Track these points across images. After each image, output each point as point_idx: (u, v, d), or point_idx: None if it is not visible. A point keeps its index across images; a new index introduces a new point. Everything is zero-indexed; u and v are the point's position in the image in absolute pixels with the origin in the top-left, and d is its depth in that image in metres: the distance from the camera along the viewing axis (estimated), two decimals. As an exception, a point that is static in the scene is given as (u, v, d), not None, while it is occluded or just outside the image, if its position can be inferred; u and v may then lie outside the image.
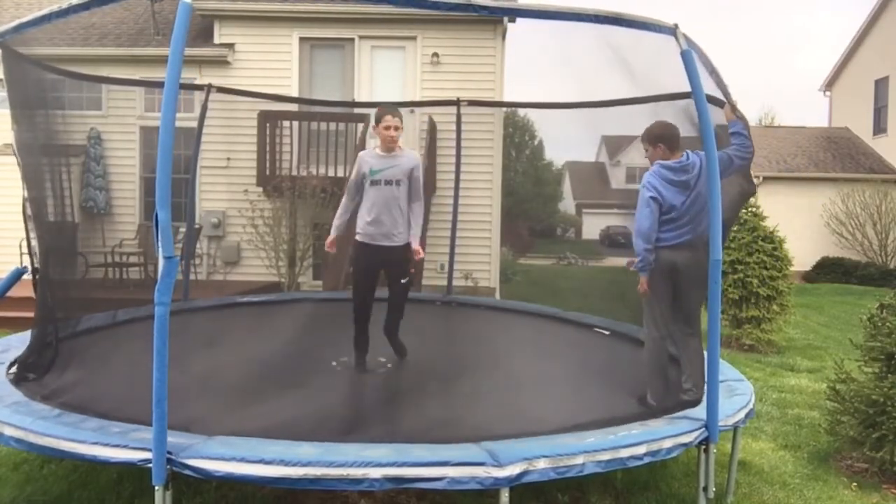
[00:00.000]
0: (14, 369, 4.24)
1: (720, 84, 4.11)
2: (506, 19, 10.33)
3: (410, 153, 4.93)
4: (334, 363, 5.10)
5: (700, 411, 3.71)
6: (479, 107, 9.72)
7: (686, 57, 3.51)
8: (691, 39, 3.59)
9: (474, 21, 10.67)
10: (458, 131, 9.07)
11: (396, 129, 4.70)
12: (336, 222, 5.02)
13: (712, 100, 4.14)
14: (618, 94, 5.92)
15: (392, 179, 4.73)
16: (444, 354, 5.68)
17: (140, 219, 10.94)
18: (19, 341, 4.78)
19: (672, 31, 3.54)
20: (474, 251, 10.54)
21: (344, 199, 5.00)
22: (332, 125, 10.10)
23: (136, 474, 3.54)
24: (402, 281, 4.86)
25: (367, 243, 4.78)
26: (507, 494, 2.97)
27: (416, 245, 4.84)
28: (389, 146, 4.76)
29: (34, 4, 12.81)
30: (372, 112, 9.95)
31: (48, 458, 3.98)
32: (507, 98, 11.11)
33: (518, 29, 10.94)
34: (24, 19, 3.85)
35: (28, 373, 4.16)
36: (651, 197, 4.17)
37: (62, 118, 5.24)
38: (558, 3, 3.48)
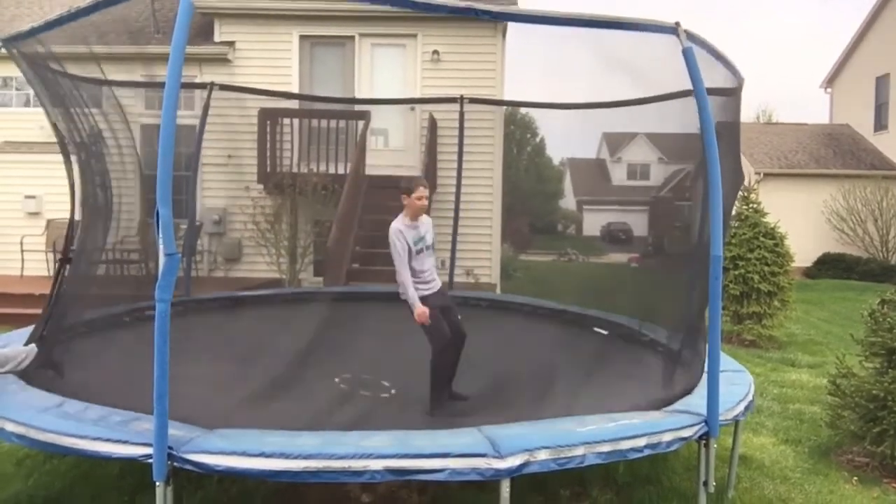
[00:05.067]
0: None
1: (728, 65, 4.06)
2: (506, 16, 10.29)
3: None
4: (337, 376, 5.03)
5: (700, 406, 3.71)
6: (480, 104, 9.72)
7: (688, 54, 3.47)
8: (693, 33, 3.54)
9: (475, 19, 10.65)
10: (461, 128, 9.07)
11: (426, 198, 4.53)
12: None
13: (721, 91, 4.13)
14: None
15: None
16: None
17: (140, 216, 10.92)
18: (20, 337, 4.78)
19: (673, 30, 3.48)
20: (475, 247, 10.54)
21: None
22: (333, 122, 10.09)
23: (137, 468, 3.54)
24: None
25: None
26: (508, 486, 2.97)
27: None
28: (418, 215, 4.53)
29: (34, 3, 12.81)
30: (371, 108, 10.03)
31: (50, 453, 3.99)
32: (507, 96, 11.07)
33: (518, 27, 10.89)
34: (37, 24, 3.97)
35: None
36: None
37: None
38: (557, 9, 3.46)
